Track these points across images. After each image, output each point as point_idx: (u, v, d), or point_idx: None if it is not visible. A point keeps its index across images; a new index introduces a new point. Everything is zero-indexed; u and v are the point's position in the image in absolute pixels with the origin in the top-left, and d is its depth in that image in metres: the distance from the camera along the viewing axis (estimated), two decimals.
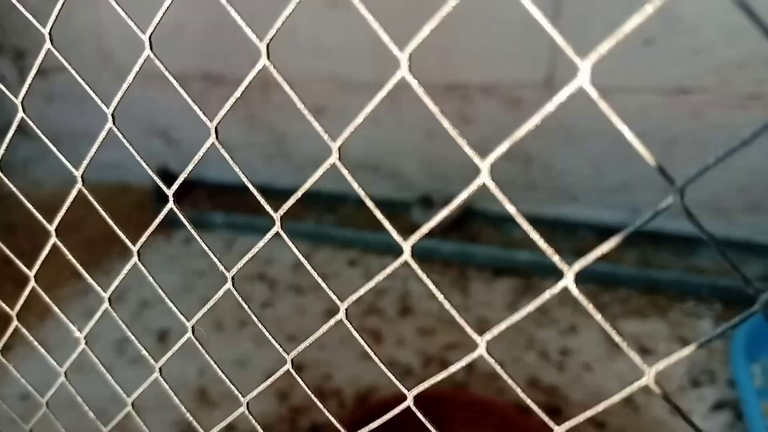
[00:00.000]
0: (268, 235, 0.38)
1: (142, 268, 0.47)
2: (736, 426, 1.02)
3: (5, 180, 0.50)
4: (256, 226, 1.63)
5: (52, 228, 0.47)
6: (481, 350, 0.33)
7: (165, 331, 1.36)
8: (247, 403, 0.43)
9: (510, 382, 0.31)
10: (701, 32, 1.18)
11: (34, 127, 0.44)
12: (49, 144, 0.45)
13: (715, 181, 1.38)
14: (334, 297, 0.38)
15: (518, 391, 0.31)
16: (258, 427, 0.45)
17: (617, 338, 0.27)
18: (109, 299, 0.50)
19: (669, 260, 1.39)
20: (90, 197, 0.45)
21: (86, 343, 0.54)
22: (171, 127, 1.83)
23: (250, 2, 1.52)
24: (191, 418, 0.48)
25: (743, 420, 1.01)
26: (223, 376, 0.45)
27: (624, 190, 1.44)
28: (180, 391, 1.15)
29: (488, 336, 0.32)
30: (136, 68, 0.38)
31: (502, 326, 0.30)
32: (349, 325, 0.38)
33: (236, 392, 0.44)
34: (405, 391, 0.35)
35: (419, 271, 0.32)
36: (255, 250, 0.38)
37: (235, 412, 0.43)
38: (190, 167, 0.42)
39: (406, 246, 0.32)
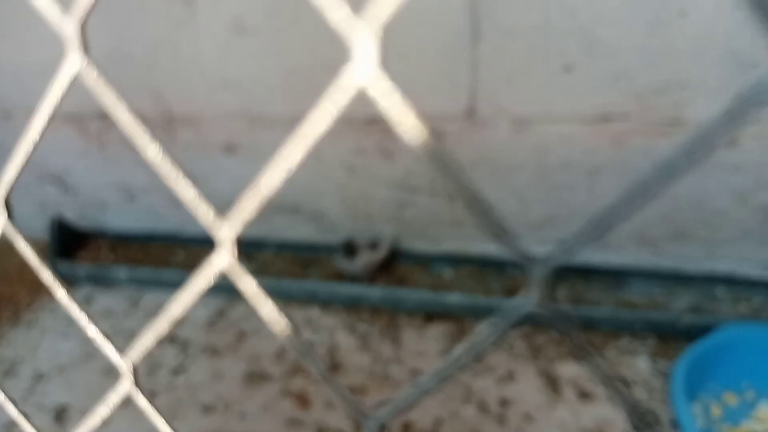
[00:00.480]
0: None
1: None
2: None
3: None
4: (164, 280, 1.49)
5: None
6: None
7: (63, 407, 1.20)
8: None
9: None
10: (621, 57, 1.17)
11: None
12: None
13: (640, 210, 1.37)
14: None
15: None
16: None
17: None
18: None
19: (600, 295, 1.37)
20: None
21: None
22: (66, 172, 1.66)
23: (149, 31, 1.40)
24: None
25: None
26: None
27: (550, 224, 1.41)
28: None
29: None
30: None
31: None
32: None
33: None
34: None
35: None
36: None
37: None
38: None
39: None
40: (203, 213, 0.29)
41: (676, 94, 1.19)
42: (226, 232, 0.29)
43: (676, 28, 1.12)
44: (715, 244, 1.35)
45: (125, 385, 0.37)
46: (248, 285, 0.30)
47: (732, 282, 1.37)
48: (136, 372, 0.38)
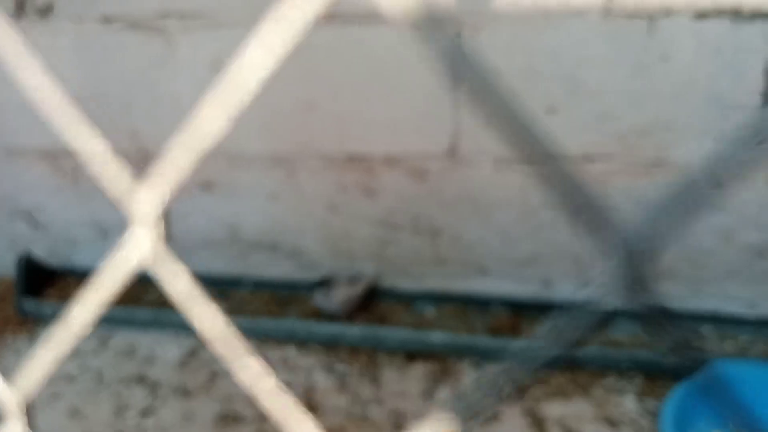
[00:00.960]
0: None
1: None
2: None
3: None
4: (135, 319, 1.43)
5: None
6: None
7: None
8: None
9: None
10: (604, 99, 1.18)
11: None
12: None
13: (625, 250, 1.36)
14: None
15: None
16: None
17: None
18: None
19: (585, 334, 1.34)
20: None
21: None
22: (37, 209, 1.61)
23: (127, 69, 1.38)
24: None
25: None
26: None
27: (534, 262, 1.39)
28: None
29: None
30: None
31: None
32: None
33: None
34: None
35: None
36: None
37: None
38: None
39: None
40: (112, 174, 0.24)
41: (659, 135, 1.20)
42: (148, 202, 0.24)
43: (659, 72, 1.14)
44: (701, 283, 1.34)
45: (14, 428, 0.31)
46: (178, 281, 0.24)
47: (718, 320, 1.35)
48: (29, 410, 0.31)
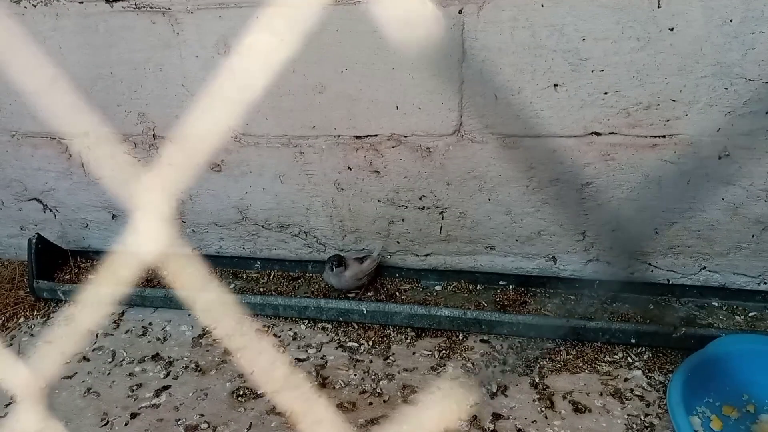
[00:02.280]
0: None
1: None
2: None
3: None
4: (147, 297, 1.45)
5: None
6: None
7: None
8: None
9: None
10: (609, 73, 1.17)
11: None
12: None
13: (631, 223, 1.36)
14: None
15: None
16: None
17: None
18: None
19: (592, 308, 1.35)
20: None
21: None
22: (46, 193, 1.63)
23: (134, 52, 1.38)
24: None
25: None
26: None
27: (540, 238, 1.39)
28: None
29: None
30: None
31: None
32: None
33: None
34: None
35: None
36: None
37: None
38: None
39: None
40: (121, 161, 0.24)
41: (665, 108, 1.19)
42: (159, 191, 0.24)
43: (665, 44, 1.12)
44: (709, 257, 1.34)
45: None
46: (187, 268, 0.24)
47: (726, 293, 1.36)
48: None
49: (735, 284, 1.36)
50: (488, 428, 1.07)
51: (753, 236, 1.29)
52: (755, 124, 1.17)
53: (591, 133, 1.24)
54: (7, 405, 1.19)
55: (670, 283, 1.38)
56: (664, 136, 1.22)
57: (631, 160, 1.25)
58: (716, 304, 1.35)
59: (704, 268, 1.36)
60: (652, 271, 1.38)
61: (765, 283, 1.35)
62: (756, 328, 1.28)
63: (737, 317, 1.31)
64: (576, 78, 1.19)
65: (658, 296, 1.37)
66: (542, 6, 1.15)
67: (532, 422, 1.08)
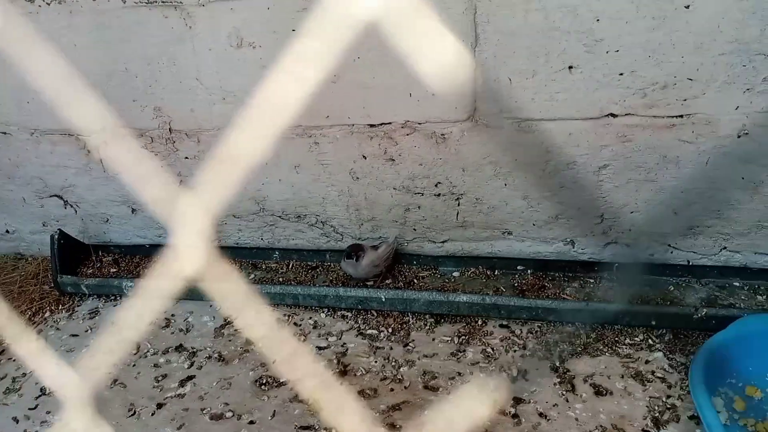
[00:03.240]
0: None
1: None
2: None
3: None
4: (166, 291, 1.47)
5: None
6: None
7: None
8: None
9: None
10: (625, 54, 1.15)
11: None
12: None
13: (649, 205, 1.35)
14: None
15: None
16: None
17: None
18: None
19: (611, 291, 1.34)
20: None
21: None
22: (65, 189, 1.65)
23: (148, 47, 1.38)
24: None
25: None
26: None
27: (557, 222, 1.39)
28: None
29: None
30: None
31: None
32: None
33: None
34: None
35: None
36: None
37: None
38: None
39: None
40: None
41: (682, 87, 1.17)
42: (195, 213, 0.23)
43: (681, 22, 1.11)
44: (729, 237, 1.33)
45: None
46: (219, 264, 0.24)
47: (748, 274, 1.34)
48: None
49: (756, 264, 1.34)
50: (509, 412, 1.08)
51: None
52: None
53: (607, 115, 1.23)
54: (37, 397, 1.22)
55: (690, 264, 1.37)
56: (681, 116, 1.21)
57: (649, 141, 1.24)
58: (737, 284, 1.34)
59: (725, 248, 1.35)
60: (671, 252, 1.37)
61: None
62: None
63: (759, 297, 1.30)
64: (591, 59, 1.18)
65: (678, 278, 1.36)
66: None
67: (554, 406, 1.08)
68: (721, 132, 1.20)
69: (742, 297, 1.30)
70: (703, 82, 1.16)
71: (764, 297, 1.30)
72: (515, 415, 1.07)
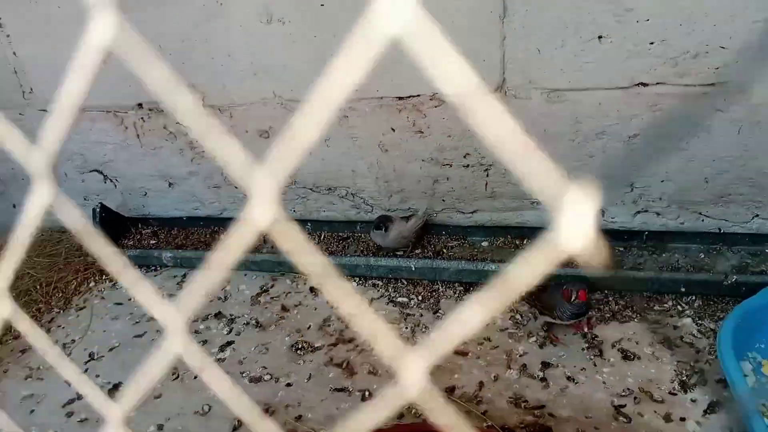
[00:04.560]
0: None
1: None
2: (733, 429, 0.98)
3: None
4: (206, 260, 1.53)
5: None
6: None
7: (116, 385, 1.24)
8: None
9: None
10: (655, 23, 1.15)
11: None
12: None
13: (680, 174, 1.35)
14: None
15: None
16: None
17: None
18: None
19: (640, 258, 1.35)
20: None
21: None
22: (105, 164, 1.71)
23: (181, 25, 1.42)
24: None
25: (741, 422, 0.97)
26: None
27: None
28: None
29: None
30: None
31: None
32: None
33: None
34: None
35: None
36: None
37: None
38: None
39: None
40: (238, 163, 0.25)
41: (714, 56, 1.16)
42: (268, 182, 0.24)
43: None
44: (762, 205, 1.32)
45: (174, 342, 0.34)
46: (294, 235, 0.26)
47: None
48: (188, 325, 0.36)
49: None
50: (537, 376, 1.11)
51: None
52: None
53: (637, 84, 1.23)
54: (86, 362, 1.29)
55: (722, 231, 1.37)
56: (713, 84, 1.20)
57: (680, 110, 1.24)
58: None
59: (757, 215, 1.34)
60: (702, 220, 1.37)
61: None
62: None
63: None
64: (621, 29, 1.17)
65: (709, 245, 1.37)
66: None
67: (581, 369, 1.11)
68: (754, 100, 1.18)
69: None
70: (735, 50, 1.14)
71: None
72: (543, 379, 1.10)
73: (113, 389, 1.22)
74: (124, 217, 1.75)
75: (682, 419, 0.99)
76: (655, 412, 1.01)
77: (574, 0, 1.16)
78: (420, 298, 1.35)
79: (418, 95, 1.36)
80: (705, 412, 1.00)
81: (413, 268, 1.38)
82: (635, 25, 1.16)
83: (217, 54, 1.43)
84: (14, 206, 1.85)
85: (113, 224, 1.68)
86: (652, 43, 1.18)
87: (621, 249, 1.39)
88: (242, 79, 1.45)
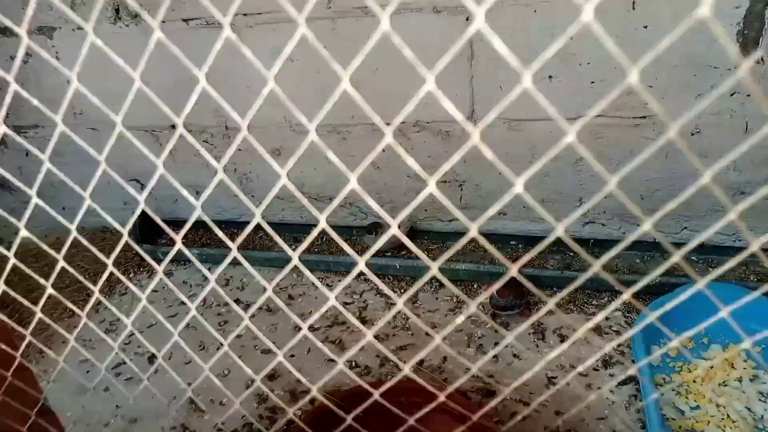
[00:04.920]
0: (227, 260, 0.57)
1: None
2: (638, 396, 1.24)
3: None
4: (224, 257, 1.82)
5: (48, 283, 0.64)
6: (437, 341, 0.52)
7: (154, 354, 1.53)
8: (282, 361, 0.61)
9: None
10: (595, 66, 1.42)
11: (16, 182, 0.60)
12: (35, 198, 0.59)
13: (619, 190, 1.61)
14: (296, 318, 0.57)
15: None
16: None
17: None
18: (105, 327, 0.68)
19: (586, 262, 1.62)
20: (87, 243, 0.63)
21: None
22: (143, 175, 2.01)
23: (206, 61, 1.72)
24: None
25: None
26: (217, 382, 0.64)
27: (543, 204, 1.66)
28: (172, 402, 1.33)
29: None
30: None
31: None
32: (312, 337, 0.56)
33: (228, 393, 0.63)
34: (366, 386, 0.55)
35: (374, 278, 0.51)
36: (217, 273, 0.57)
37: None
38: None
39: (361, 261, 0.46)
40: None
41: (643, 94, 1.43)
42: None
43: (641, 40, 1.36)
44: (689, 218, 1.58)
45: None
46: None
47: (705, 250, 1.59)
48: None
49: (712, 242, 1.59)
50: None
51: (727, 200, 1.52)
52: (721, 105, 1.40)
53: (581, 116, 1.50)
54: (130, 335, 1.59)
55: (656, 240, 1.63)
56: (644, 117, 1.46)
57: (617, 138, 1.50)
58: (695, 259, 1.59)
59: (685, 228, 1.60)
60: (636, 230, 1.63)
61: (740, 240, 1.58)
62: (725, 278, 1.52)
63: (710, 269, 1.55)
64: (567, 71, 1.44)
65: (644, 252, 1.63)
66: (536, 12, 1.40)
67: (527, 349, 1.38)
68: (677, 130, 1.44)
69: (697, 269, 1.55)
70: (660, 89, 1.41)
71: (715, 269, 1.55)
72: (495, 356, 1.37)
73: (151, 357, 1.51)
74: (161, 219, 2.05)
75: (599, 388, 1.26)
76: (579, 382, 1.28)
77: (528, 47, 1.43)
78: (402, 291, 1.63)
79: (404, 122, 1.64)
80: (618, 384, 1.27)
81: (398, 266, 1.66)
82: (579, 67, 1.43)
83: (237, 86, 1.72)
84: (63, 209, 2.16)
85: (149, 225, 1.98)
86: (593, 83, 1.44)
87: (571, 254, 1.66)
88: (259, 107, 1.74)
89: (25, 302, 0.68)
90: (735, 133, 1.42)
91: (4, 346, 0.73)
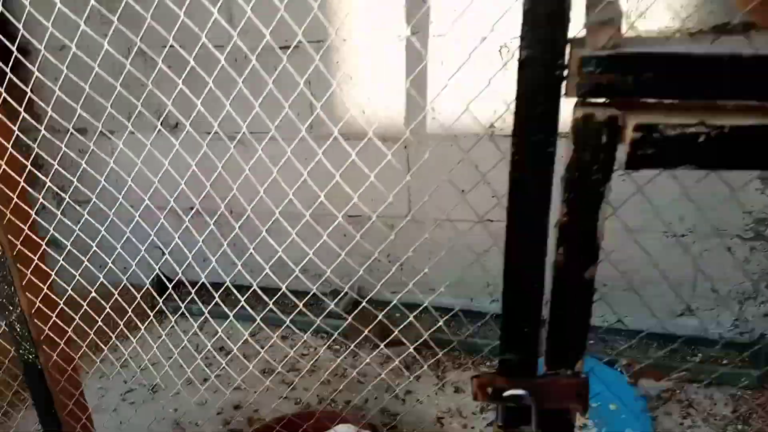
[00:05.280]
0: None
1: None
2: None
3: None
4: (221, 312, 2.33)
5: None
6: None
7: (157, 385, 2.03)
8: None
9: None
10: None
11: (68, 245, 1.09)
12: (80, 256, 1.08)
13: None
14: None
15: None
16: None
17: None
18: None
19: (491, 331, 2.08)
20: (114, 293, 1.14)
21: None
22: (165, 244, 2.56)
23: (226, 166, 2.29)
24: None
25: None
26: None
27: (462, 284, 2.14)
28: (161, 423, 1.85)
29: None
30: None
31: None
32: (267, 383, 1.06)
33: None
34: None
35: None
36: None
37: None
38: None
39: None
40: None
41: None
42: None
43: None
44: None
45: None
46: None
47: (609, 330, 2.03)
48: None
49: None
50: (401, 398, 1.83)
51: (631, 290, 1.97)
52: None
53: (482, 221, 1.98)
54: (141, 368, 2.09)
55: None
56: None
57: None
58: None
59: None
60: None
61: (637, 324, 2.02)
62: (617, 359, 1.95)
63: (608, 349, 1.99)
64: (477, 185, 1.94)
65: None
66: (456, 146, 1.92)
67: (427, 396, 1.83)
68: None
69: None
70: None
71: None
72: (403, 400, 1.83)
73: (153, 388, 2.01)
74: (172, 279, 2.59)
75: (473, 427, 1.71)
76: (458, 423, 1.73)
77: (447, 167, 1.94)
78: (347, 346, 2.11)
79: (360, 215, 2.15)
80: (488, 425, 1.71)
81: (348, 327, 2.15)
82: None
83: (245, 182, 2.26)
84: (100, 266, 2.73)
85: (165, 285, 2.52)
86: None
87: (479, 324, 2.12)
88: (256, 193, 2.28)
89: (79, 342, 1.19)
90: None
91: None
